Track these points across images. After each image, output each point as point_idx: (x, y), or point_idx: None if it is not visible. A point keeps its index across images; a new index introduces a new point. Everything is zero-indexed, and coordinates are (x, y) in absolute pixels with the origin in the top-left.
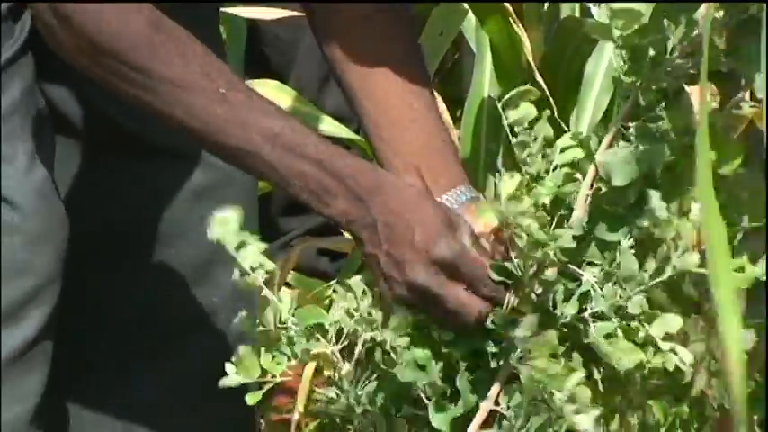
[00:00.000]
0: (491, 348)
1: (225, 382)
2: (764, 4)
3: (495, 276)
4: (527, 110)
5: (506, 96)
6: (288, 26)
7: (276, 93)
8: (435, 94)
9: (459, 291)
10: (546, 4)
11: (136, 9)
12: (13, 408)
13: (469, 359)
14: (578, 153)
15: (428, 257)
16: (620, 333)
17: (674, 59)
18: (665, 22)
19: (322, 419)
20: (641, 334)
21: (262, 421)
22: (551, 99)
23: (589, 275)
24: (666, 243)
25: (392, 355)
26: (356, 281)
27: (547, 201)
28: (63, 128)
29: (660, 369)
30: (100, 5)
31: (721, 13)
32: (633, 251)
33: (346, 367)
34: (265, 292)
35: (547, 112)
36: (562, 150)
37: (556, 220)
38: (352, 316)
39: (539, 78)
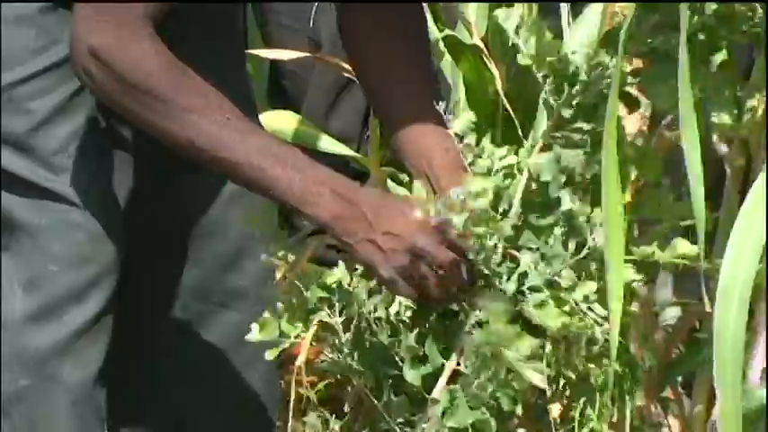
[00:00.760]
0: (456, 318)
1: (250, 337)
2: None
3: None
4: (466, 122)
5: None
6: (301, 64)
7: (289, 119)
8: None
9: (448, 252)
10: (509, 43)
11: (158, 53)
12: (79, 373)
13: (437, 327)
14: (512, 159)
15: (422, 226)
16: (550, 302)
17: (589, 83)
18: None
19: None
20: (569, 299)
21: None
22: (515, 120)
23: (526, 257)
24: (582, 229)
25: (375, 326)
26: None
27: (490, 196)
28: (120, 145)
29: (584, 329)
30: (139, 54)
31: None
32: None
33: (346, 336)
34: (289, 275)
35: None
36: (501, 158)
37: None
38: (349, 294)
39: (506, 104)
